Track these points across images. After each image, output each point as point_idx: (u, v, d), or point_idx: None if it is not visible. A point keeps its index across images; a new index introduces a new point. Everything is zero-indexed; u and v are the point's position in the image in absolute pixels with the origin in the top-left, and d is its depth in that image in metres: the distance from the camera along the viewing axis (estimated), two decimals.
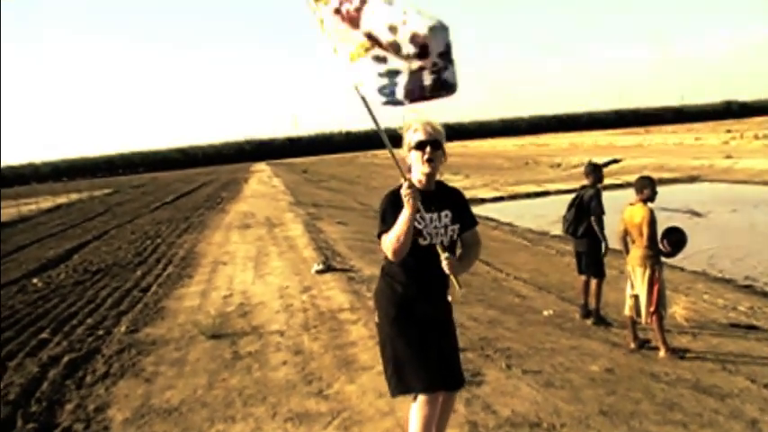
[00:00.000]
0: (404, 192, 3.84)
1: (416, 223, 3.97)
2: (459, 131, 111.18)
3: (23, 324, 10.52)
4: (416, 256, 4.05)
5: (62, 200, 44.65)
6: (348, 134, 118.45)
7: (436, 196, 4.16)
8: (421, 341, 4.10)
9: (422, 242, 4.05)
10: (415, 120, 4.13)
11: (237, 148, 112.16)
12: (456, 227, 4.17)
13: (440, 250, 3.99)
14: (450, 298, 4.21)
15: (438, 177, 4.26)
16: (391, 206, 4.03)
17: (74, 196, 48.06)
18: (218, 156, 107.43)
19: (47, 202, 41.78)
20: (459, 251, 4.29)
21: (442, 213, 4.14)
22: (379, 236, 4.07)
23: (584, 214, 9.91)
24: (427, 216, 4.05)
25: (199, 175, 67.16)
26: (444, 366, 4.19)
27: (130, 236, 21.82)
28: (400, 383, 4.14)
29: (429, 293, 4.16)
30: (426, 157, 4.04)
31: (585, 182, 10.24)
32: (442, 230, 4.11)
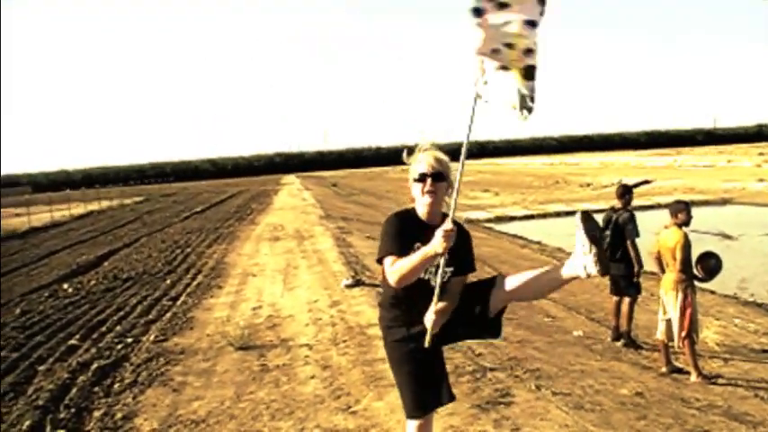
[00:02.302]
0: (445, 230, 3.65)
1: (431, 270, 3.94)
2: (488, 149, 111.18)
3: (53, 329, 10.60)
4: (414, 286, 3.95)
5: (93, 207, 45.01)
6: (378, 149, 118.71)
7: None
8: (414, 369, 4.06)
9: (421, 276, 3.95)
10: (421, 151, 4.06)
11: (268, 161, 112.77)
12: (449, 270, 4.01)
13: (435, 299, 3.89)
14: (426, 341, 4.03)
15: (445, 209, 4.08)
16: (399, 230, 3.96)
17: (105, 203, 48.44)
18: (249, 167, 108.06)
19: (78, 209, 42.11)
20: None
21: None
22: (381, 259, 3.97)
23: (620, 237, 9.83)
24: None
25: (229, 186, 67.53)
26: (437, 392, 4.12)
27: (161, 244, 21.94)
28: (408, 408, 4.13)
29: (415, 323, 4.03)
30: (427, 188, 3.96)
31: (616, 203, 10.18)
32: (433, 270, 3.98)
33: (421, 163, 4.00)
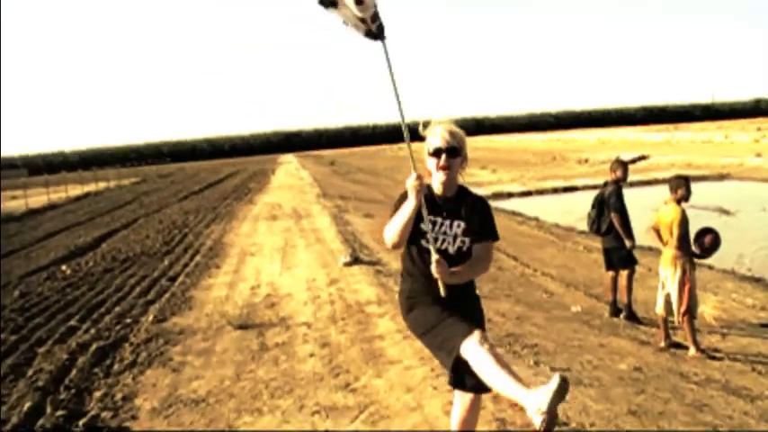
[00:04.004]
0: (410, 183, 3.79)
1: (422, 225, 3.93)
2: (486, 126, 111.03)
3: (52, 311, 10.61)
4: (422, 257, 4.01)
5: (90, 188, 44.96)
6: (375, 127, 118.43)
7: (454, 204, 4.04)
8: (442, 312, 3.94)
9: (423, 244, 3.99)
10: (437, 123, 4.05)
11: (265, 140, 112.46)
12: (467, 239, 4.03)
13: (432, 249, 3.90)
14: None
15: (460, 181, 4.14)
16: (401, 201, 3.98)
17: (102, 185, 48.38)
18: (246, 147, 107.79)
19: (75, 190, 42.05)
20: None
21: (455, 222, 4.02)
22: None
23: (607, 211, 9.90)
24: (438, 220, 3.99)
25: (226, 166, 67.43)
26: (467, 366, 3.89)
27: (158, 225, 21.92)
28: (449, 351, 3.87)
29: (434, 293, 3.98)
30: (442, 164, 3.96)
31: (610, 177, 10.22)
32: (450, 239, 4.01)
33: (436, 137, 3.99)
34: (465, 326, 3.85)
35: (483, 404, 5.63)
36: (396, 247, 3.97)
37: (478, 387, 3.99)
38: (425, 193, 3.97)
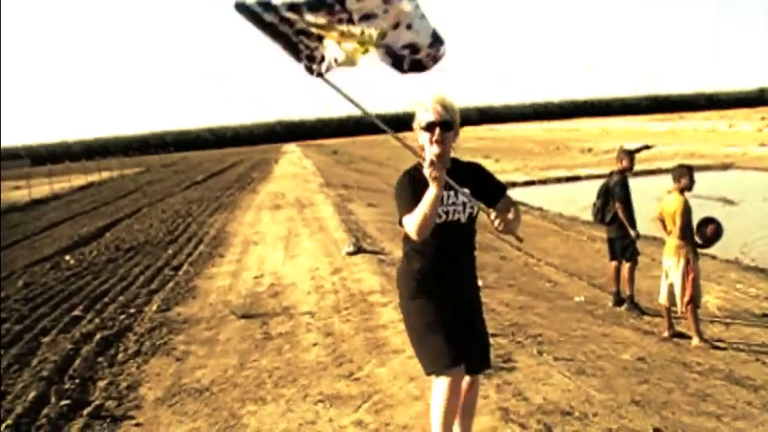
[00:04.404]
0: (427, 170, 3.71)
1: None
2: (489, 115, 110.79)
3: (57, 301, 10.64)
4: (435, 235, 3.91)
5: (94, 178, 44.96)
6: (378, 117, 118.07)
7: (452, 175, 3.94)
8: (442, 319, 3.99)
9: (436, 220, 3.89)
10: (427, 98, 3.97)
11: (268, 130, 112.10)
12: (476, 204, 3.99)
13: (485, 210, 3.90)
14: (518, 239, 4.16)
15: (453, 154, 4.11)
16: (410, 187, 3.94)
17: (105, 175, 48.37)
18: (249, 136, 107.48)
19: (79, 180, 42.07)
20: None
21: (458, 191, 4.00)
22: (401, 221, 3.97)
23: (611, 201, 9.90)
24: (443, 194, 3.91)
25: (229, 156, 67.36)
26: (467, 346, 4.04)
27: (162, 214, 21.94)
28: (429, 363, 4.02)
29: (446, 273, 4.03)
30: (435, 138, 3.88)
31: (615, 167, 10.20)
32: (460, 208, 3.99)
33: (428, 111, 3.92)
34: (459, 354, 3.97)
35: (485, 393, 5.66)
36: (423, 236, 3.88)
37: (472, 368, 4.14)
38: (422, 172, 3.91)
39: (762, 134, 42.89)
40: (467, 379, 4.19)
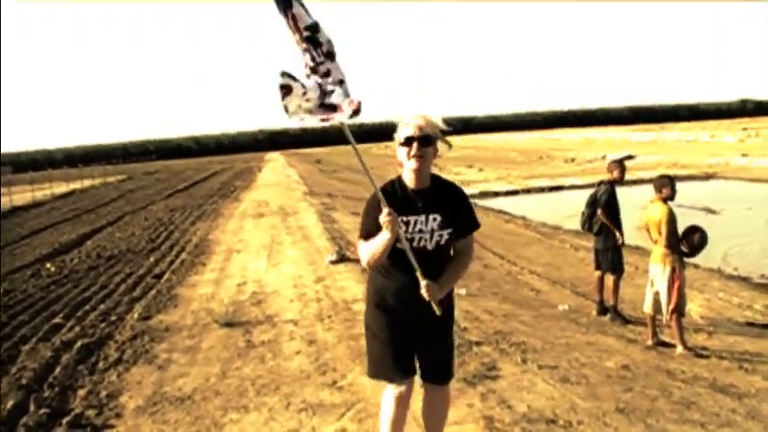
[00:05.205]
0: (383, 219, 3.72)
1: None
2: (473, 125, 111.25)
3: (37, 308, 10.53)
4: (395, 257, 3.90)
5: (76, 185, 44.74)
6: (361, 126, 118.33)
7: (428, 196, 3.94)
8: (393, 333, 4.00)
9: (398, 246, 3.85)
10: (408, 115, 3.96)
11: (251, 138, 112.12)
12: (446, 232, 3.94)
13: (420, 276, 3.82)
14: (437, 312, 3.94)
15: (436, 171, 4.08)
16: (371, 213, 3.91)
17: (87, 182, 48.15)
18: (232, 145, 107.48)
19: (60, 188, 41.86)
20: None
21: (431, 216, 3.92)
22: (360, 239, 4.00)
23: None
24: (412, 219, 3.89)
25: (212, 164, 67.25)
26: (417, 361, 4.10)
27: (144, 222, 21.84)
28: (373, 371, 4.18)
29: (406, 293, 3.94)
30: (414, 153, 3.84)
31: (606, 177, 10.18)
32: (427, 236, 3.91)
33: (408, 126, 3.89)
34: (406, 369, 4.06)
35: (470, 401, 5.64)
36: (372, 268, 4.00)
37: (429, 378, 4.20)
38: (397, 189, 3.95)
39: (743, 144, 43.23)
40: (430, 389, 4.23)
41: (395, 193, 3.90)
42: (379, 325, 4.08)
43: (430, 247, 3.92)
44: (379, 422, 4.28)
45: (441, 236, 3.93)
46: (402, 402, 4.11)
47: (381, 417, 4.23)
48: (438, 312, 3.88)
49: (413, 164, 3.87)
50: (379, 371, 4.12)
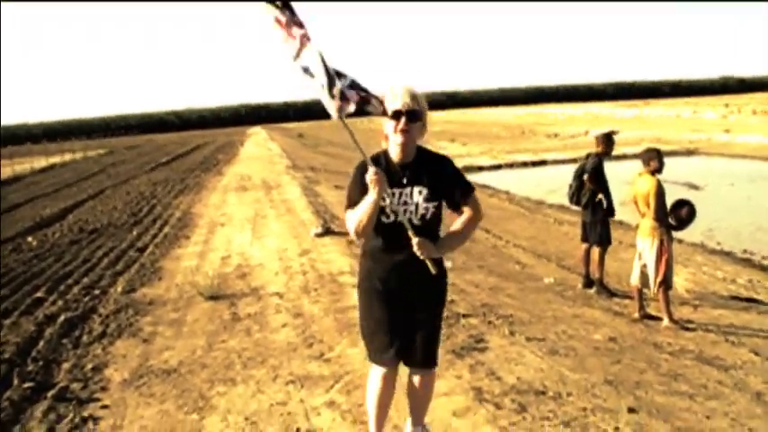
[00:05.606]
0: (369, 177, 3.68)
1: (382, 202, 3.80)
2: (456, 100, 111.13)
3: (18, 282, 10.43)
4: (383, 234, 3.90)
5: (56, 159, 44.34)
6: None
7: (413, 169, 3.90)
8: (382, 312, 3.98)
9: (384, 220, 3.85)
10: (397, 87, 3.87)
11: (233, 112, 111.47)
12: (431, 205, 3.89)
13: (411, 234, 3.78)
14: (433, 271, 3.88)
15: (423, 144, 4.02)
16: (358, 181, 3.87)
17: (68, 156, 47.69)
18: (214, 119, 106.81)
19: (40, 162, 41.48)
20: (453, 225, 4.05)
21: (416, 189, 3.87)
22: (347, 210, 3.95)
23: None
24: (396, 191, 3.85)
25: (194, 138, 66.81)
26: (404, 343, 4.02)
27: (126, 196, 21.67)
28: (369, 353, 4.14)
29: (396, 272, 3.93)
30: (401, 127, 3.79)
31: (594, 150, 10.12)
32: (413, 208, 3.87)
33: (396, 100, 3.83)
34: (396, 347, 4.02)
35: (459, 373, 5.63)
36: (362, 237, 3.94)
37: (415, 363, 4.16)
38: (382, 162, 3.91)
39: (726, 121, 43.37)
40: (415, 372, 4.20)
41: (380, 167, 3.82)
42: (369, 307, 4.07)
43: (416, 220, 3.87)
44: (366, 400, 4.28)
45: (426, 209, 3.88)
46: (389, 381, 4.12)
47: (368, 395, 4.22)
48: (433, 271, 3.84)
49: (399, 138, 3.83)
50: (371, 352, 4.11)
